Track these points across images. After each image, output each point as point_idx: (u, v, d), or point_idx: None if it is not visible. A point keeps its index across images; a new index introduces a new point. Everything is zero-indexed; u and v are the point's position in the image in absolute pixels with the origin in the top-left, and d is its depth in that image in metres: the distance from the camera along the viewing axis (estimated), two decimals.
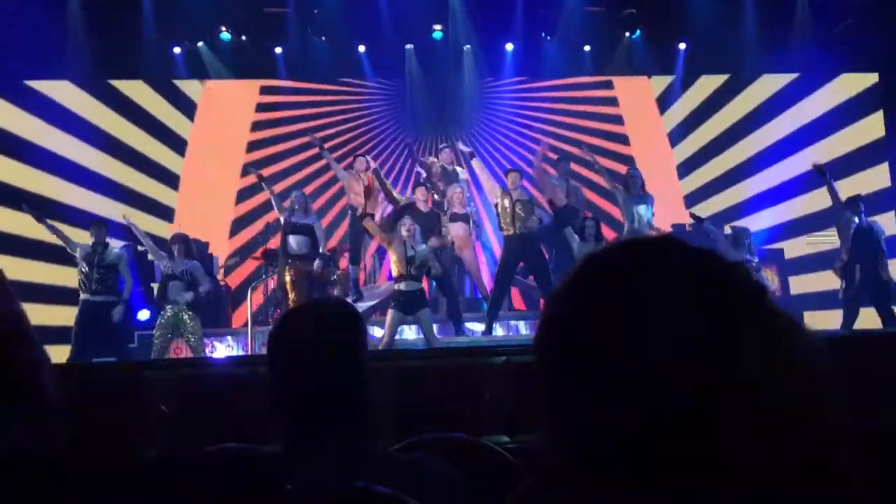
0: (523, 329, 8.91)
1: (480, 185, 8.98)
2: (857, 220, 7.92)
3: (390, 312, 7.31)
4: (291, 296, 8.05)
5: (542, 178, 8.82)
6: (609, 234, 9.35)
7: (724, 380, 0.59)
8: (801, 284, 10.39)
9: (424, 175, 9.41)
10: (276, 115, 11.90)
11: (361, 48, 11.52)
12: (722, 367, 0.59)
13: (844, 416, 0.61)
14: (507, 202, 8.10)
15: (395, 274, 7.36)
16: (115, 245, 7.99)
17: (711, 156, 12.04)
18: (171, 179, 11.47)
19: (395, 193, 8.85)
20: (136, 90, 11.47)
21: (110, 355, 7.32)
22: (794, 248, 10.95)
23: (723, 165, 12.00)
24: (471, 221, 8.88)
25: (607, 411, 0.61)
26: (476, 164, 8.61)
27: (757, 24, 11.06)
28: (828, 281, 8.73)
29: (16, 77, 10.75)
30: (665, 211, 9.82)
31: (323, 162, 10.13)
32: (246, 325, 8.67)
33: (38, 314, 3.51)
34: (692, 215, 8.53)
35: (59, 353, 7.20)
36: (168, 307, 7.60)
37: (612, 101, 12.37)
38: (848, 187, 8.97)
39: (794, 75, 11.94)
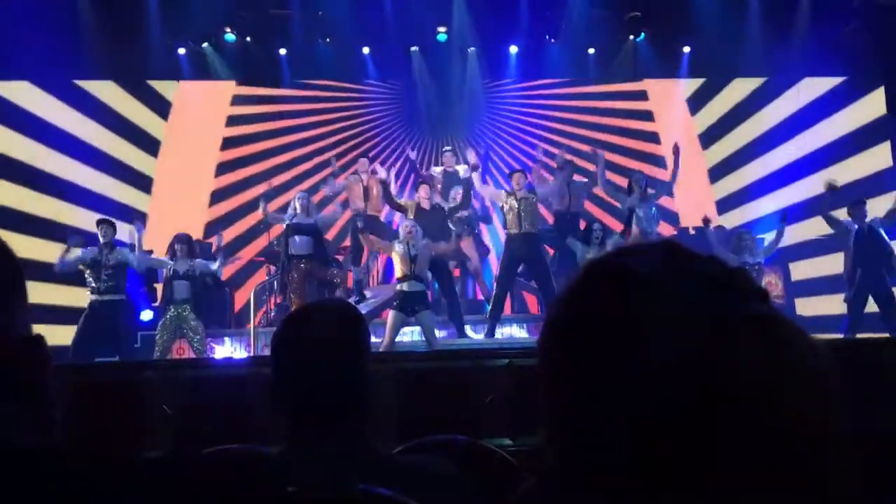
0: (525, 332, 8.90)
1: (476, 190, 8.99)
2: (856, 225, 7.92)
3: (392, 313, 7.30)
4: (294, 297, 8.06)
5: (541, 186, 8.90)
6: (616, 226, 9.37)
7: (725, 385, 0.59)
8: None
9: (430, 175, 9.41)
10: (252, 108, 11.94)
11: (366, 50, 11.53)
12: (723, 372, 0.59)
13: (846, 420, 0.61)
14: (512, 202, 8.12)
15: (397, 274, 7.36)
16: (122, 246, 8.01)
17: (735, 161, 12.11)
18: (145, 183, 11.43)
19: (401, 201, 8.86)
20: (105, 90, 11.48)
21: (114, 355, 7.33)
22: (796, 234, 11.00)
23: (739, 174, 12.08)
24: (472, 224, 8.88)
25: (609, 415, 0.61)
26: (475, 176, 8.60)
27: (761, 27, 11.05)
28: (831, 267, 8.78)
29: (21, 76, 10.78)
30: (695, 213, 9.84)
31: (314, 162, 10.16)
32: (249, 325, 8.69)
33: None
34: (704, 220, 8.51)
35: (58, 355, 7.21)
36: (171, 307, 7.63)
37: (627, 100, 12.38)
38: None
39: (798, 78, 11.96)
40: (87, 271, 7.47)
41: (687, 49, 11.72)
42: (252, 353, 8.17)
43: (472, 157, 8.85)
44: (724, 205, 11.90)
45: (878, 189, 10.47)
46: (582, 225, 8.81)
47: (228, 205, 11.53)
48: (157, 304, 8.88)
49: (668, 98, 12.46)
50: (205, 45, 11.25)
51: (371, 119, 12.30)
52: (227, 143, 11.84)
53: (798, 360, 0.61)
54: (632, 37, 11.62)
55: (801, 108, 11.95)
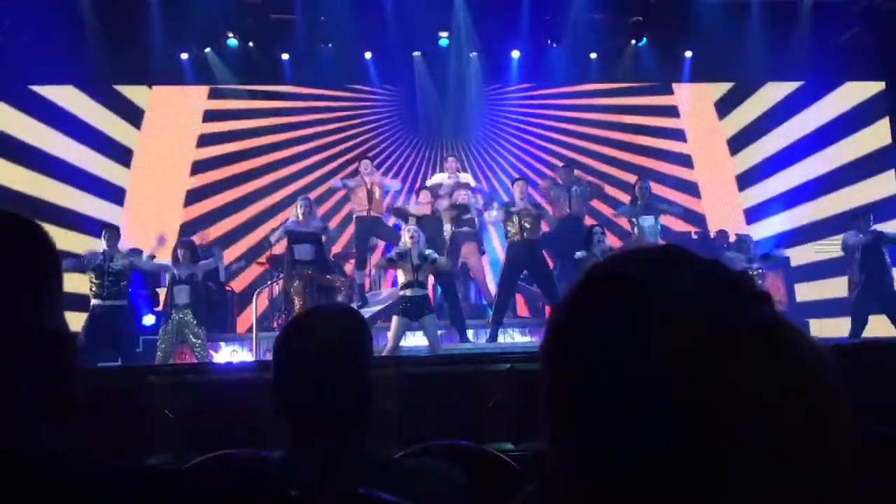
0: (527, 337, 8.89)
1: (484, 192, 9.02)
2: (862, 236, 7.95)
3: (395, 318, 7.31)
4: (296, 301, 8.05)
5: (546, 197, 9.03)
6: (615, 242, 9.37)
7: (727, 390, 0.58)
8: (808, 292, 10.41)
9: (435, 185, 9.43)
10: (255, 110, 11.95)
11: (367, 55, 11.55)
12: (725, 376, 0.59)
13: (851, 424, 0.61)
14: (513, 212, 8.14)
15: (401, 280, 7.37)
16: (125, 251, 8.02)
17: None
18: (117, 193, 11.38)
19: (407, 209, 8.88)
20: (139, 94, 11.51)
21: (116, 359, 7.35)
22: (800, 256, 10.95)
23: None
24: (475, 227, 8.90)
25: (610, 420, 0.61)
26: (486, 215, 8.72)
27: (763, 31, 11.05)
28: (835, 289, 8.75)
29: (22, 81, 10.81)
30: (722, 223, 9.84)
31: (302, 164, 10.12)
32: (251, 330, 8.69)
33: None
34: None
35: None
36: (174, 313, 7.65)
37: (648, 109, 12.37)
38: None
39: (799, 83, 11.95)
40: (90, 276, 7.48)
41: (689, 53, 11.72)
42: (254, 358, 8.17)
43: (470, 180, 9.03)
44: (754, 214, 11.74)
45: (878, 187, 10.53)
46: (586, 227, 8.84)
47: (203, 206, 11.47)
48: (159, 308, 8.89)
49: (696, 102, 12.41)
50: (207, 50, 11.26)
51: (373, 124, 12.31)
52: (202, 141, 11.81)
53: (801, 365, 0.61)
54: (633, 41, 11.62)
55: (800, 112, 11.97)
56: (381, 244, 9.67)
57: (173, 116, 11.75)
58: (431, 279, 7.80)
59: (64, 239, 8.95)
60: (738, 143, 12.21)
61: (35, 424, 0.74)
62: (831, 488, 0.59)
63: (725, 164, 12.22)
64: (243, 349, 8.80)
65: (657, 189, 10.52)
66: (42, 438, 0.73)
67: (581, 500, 0.64)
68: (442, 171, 9.85)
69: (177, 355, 7.97)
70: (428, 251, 7.38)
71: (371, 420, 1.52)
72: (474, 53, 11.69)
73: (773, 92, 12.16)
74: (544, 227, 8.77)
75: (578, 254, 7.89)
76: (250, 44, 11.26)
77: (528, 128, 12.37)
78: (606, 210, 10.46)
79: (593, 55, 11.81)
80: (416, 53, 11.63)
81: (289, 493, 1.14)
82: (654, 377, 0.59)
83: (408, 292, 7.25)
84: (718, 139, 12.31)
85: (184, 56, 11.29)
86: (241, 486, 0.77)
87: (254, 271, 10.86)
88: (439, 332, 7.64)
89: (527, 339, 8.76)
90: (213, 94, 11.82)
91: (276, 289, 9.40)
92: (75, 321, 7.64)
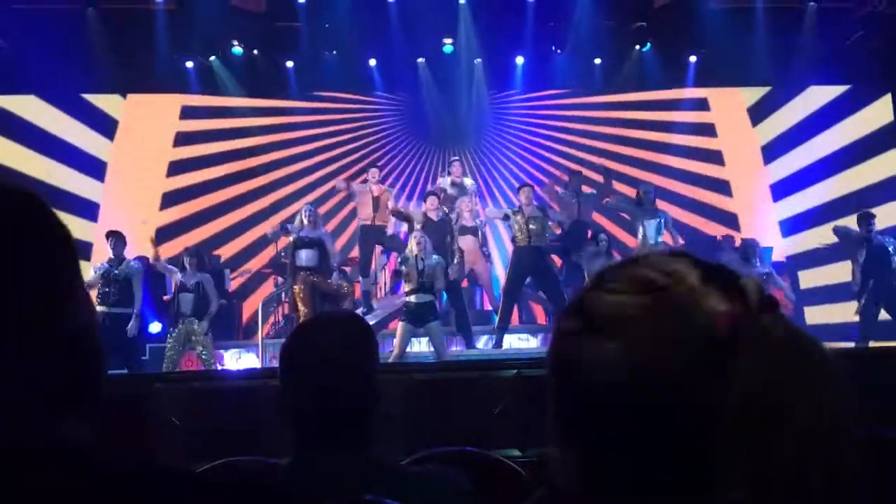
0: (533, 342, 8.88)
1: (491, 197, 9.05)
2: (866, 237, 7.93)
3: (401, 325, 7.31)
4: (301, 309, 8.06)
5: (555, 204, 9.04)
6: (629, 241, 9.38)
7: (732, 394, 0.59)
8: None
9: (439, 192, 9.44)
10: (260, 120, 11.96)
11: (372, 62, 11.57)
12: (731, 381, 0.59)
13: (858, 429, 0.61)
14: (519, 217, 8.14)
15: (406, 286, 7.36)
16: (131, 259, 8.04)
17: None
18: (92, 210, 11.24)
19: (409, 211, 8.87)
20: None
21: (122, 367, 7.35)
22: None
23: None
24: (480, 234, 8.90)
25: (616, 426, 0.61)
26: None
27: (767, 36, 11.04)
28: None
29: (29, 91, 10.87)
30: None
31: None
32: (256, 337, 8.70)
33: None
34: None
35: None
36: (180, 321, 7.66)
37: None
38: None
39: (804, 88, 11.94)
40: (97, 284, 7.50)
41: (693, 59, 11.72)
42: (260, 365, 8.18)
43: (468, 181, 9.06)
44: (789, 226, 11.58)
45: (885, 197, 10.48)
46: (589, 236, 8.84)
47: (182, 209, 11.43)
48: (165, 316, 8.90)
49: (729, 108, 12.33)
50: (212, 58, 11.30)
51: (378, 131, 12.33)
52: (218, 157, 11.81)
53: (806, 371, 0.61)
54: (638, 47, 11.62)
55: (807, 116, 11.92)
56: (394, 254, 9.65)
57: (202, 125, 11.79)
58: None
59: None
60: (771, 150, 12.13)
61: (58, 422, 0.73)
62: (836, 491, 0.59)
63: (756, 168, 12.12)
64: (249, 355, 8.82)
65: (685, 189, 10.61)
66: (66, 437, 0.72)
67: None
68: (447, 175, 9.87)
69: (183, 363, 7.98)
70: (434, 257, 7.39)
71: (377, 426, 1.52)
72: (478, 60, 11.70)
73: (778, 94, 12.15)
74: (556, 230, 8.81)
75: (584, 265, 7.90)
76: (255, 52, 11.30)
77: (533, 134, 12.37)
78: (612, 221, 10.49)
79: (597, 61, 11.82)
80: (420, 60, 11.65)
81: (296, 501, 1.14)
82: (659, 383, 0.60)
83: (413, 298, 7.26)
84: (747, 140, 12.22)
85: (189, 64, 11.32)
86: (249, 494, 0.77)
87: (258, 278, 10.88)
88: (445, 338, 7.64)
89: (533, 345, 8.75)
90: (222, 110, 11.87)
91: (282, 295, 9.41)
92: None
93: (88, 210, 10.96)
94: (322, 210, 10.19)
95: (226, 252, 10.96)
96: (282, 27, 11.18)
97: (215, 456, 2.25)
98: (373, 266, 9.48)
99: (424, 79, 11.75)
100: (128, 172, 11.46)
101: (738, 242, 9.87)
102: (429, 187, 10.50)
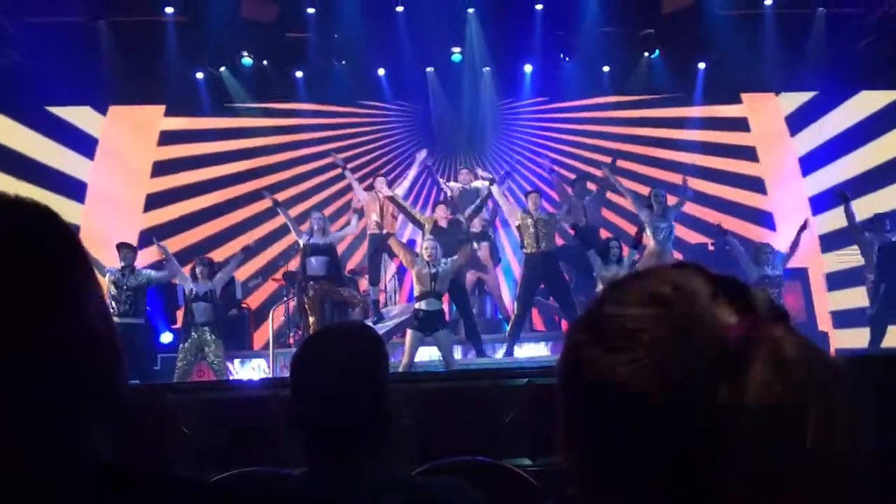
0: (544, 350, 8.85)
1: (498, 204, 9.02)
2: (878, 240, 7.90)
3: (409, 332, 7.29)
4: (311, 317, 8.07)
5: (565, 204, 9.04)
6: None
7: (741, 405, 0.59)
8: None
9: (447, 193, 9.45)
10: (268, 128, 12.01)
11: (381, 71, 11.61)
12: (739, 392, 0.59)
13: (867, 439, 0.61)
14: (528, 222, 8.15)
15: (417, 293, 7.36)
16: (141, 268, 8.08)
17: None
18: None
19: (416, 213, 8.86)
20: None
21: (134, 377, 7.37)
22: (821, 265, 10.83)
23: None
24: (489, 240, 8.91)
25: (627, 436, 0.61)
26: (495, 189, 8.66)
27: (776, 42, 11.02)
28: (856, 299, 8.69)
29: (37, 102, 10.95)
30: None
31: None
32: (267, 346, 8.71)
33: None
34: (719, 228, 8.64)
35: None
36: (192, 331, 7.68)
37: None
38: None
39: (811, 93, 11.89)
40: (108, 292, 7.53)
41: (702, 65, 11.71)
42: (271, 375, 8.19)
43: (482, 172, 8.96)
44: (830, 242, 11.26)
45: None
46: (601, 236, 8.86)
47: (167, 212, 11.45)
48: (176, 326, 8.93)
49: (766, 115, 12.24)
50: (222, 69, 11.37)
51: (386, 139, 12.36)
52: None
53: (813, 381, 0.61)
54: (646, 54, 11.61)
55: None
56: (396, 261, 9.65)
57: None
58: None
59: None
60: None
61: (88, 434, 0.73)
62: (844, 501, 0.59)
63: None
64: (260, 366, 8.83)
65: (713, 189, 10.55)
66: (98, 450, 0.72)
67: None
68: (456, 181, 9.90)
69: (195, 372, 8.00)
70: (444, 261, 7.38)
71: (388, 437, 1.53)
72: (487, 68, 11.72)
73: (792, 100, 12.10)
74: (570, 231, 8.81)
75: (591, 253, 7.87)
76: (265, 62, 11.35)
77: (541, 141, 12.37)
78: (621, 221, 10.47)
79: (606, 68, 11.82)
80: (429, 69, 11.67)
81: None
82: (668, 393, 0.60)
83: (423, 305, 7.24)
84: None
85: (199, 75, 11.40)
86: None
87: (269, 288, 10.90)
88: (455, 346, 7.63)
89: (544, 353, 8.72)
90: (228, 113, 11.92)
91: (292, 305, 9.43)
92: None
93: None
94: (329, 210, 10.24)
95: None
96: (291, 37, 11.23)
97: (228, 466, 2.26)
98: (382, 275, 9.48)
99: (433, 87, 11.78)
100: (138, 185, 11.56)
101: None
102: (434, 195, 10.53)
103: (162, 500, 0.72)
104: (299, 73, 11.54)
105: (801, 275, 10.18)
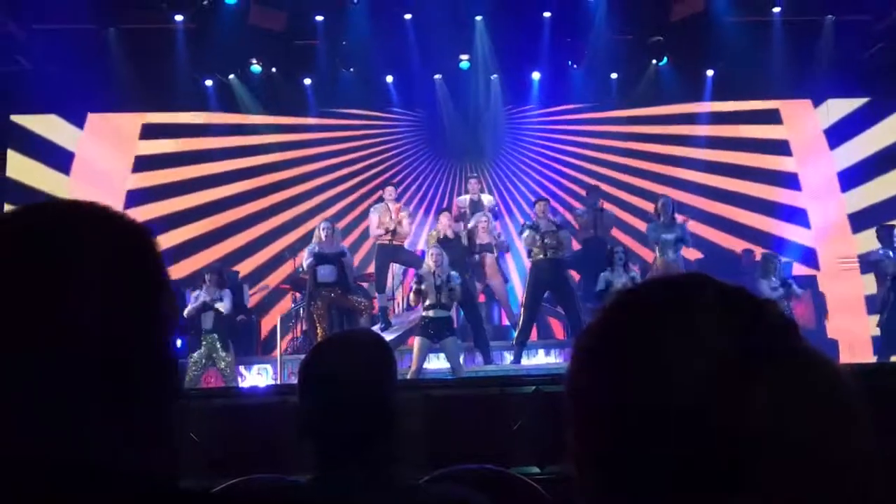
0: (553, 358, 8.83)
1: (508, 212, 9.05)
2: (889, 251, 7.86)
3: (417, 340, 7.31)
4: (319, 325, 8.08)
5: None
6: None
7: (751, 419, 0.59)
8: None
9: (460, 207, 9.46)
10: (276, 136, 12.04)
11: (389, 78, 11.64)
12: (749, 405, 0.59)
13: (878, 452, 0.60)
14: (535, 231, 8.14)
15: (424, 301, 7.37)
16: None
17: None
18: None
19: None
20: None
21: None
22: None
23: None
24: (496, 250, 8.91)
25: (635, 447, 0.61)
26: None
27: (785, 49, 11.00)
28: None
29: (50, 110, 11.03)
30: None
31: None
32: (275, 353, 8.72)
33: None
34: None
35: None
36: (202, 338, 7.70)
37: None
38: None
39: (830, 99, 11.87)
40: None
41: (710, 72, 11.69)
42: (279, 381, 8.19)
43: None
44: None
45: None
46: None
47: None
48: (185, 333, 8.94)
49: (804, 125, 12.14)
50: (231, 76, 11.42)
51: (395, 147, 12.37)
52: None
53: (824, 394, 0.61)
54: (654, 61, 11.61)
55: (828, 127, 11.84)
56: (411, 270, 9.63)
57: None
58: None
59: None
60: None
61: (130, 449, 0.73)
62: None
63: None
64: (269, 373, 8.83)
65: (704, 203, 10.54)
66: (140, 464, 0.73)
67: None
68: (464, 192, 9.90)
69: (204, 379, 8.01)
70: (452, 274, 7.39)
71: (396, 445, 1.53)
72: (495, 76, 11.74)
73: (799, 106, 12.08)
74: (575, 246, 8.79)
75: (602, 279, 7.78)
76: (273, 70, 11.40)
77: (550, 149, 12.36)
78: (628, 240, 10.46)
79: (614, 76, 11.82)
80: (437, 76, 11.70)
81: None
82: (677, 406, 0.60)
83: (431, 313, 7.28)
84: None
85: (208, 83, 11.45)
86: None
87: (277, 295, 10.92)
88: (463, 354, 7.62)
89: (552, 360, 8.69)
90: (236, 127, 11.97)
91: (300, 311, 9.43)
92: None
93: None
94: (340, 225, 10.24)
95: (244, 268, 11.00)
96: (300, 45, 11.27)
97: (235, 473, 2.26)
98: (389, 282, 9.47)
99: (441, 95, 11.79)
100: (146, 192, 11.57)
101: (758, 256, 9.79)
102: (446, 203, 10.52)
103: None
104: (308, 81, 11.57)
105: (811, 283, 10.16)
